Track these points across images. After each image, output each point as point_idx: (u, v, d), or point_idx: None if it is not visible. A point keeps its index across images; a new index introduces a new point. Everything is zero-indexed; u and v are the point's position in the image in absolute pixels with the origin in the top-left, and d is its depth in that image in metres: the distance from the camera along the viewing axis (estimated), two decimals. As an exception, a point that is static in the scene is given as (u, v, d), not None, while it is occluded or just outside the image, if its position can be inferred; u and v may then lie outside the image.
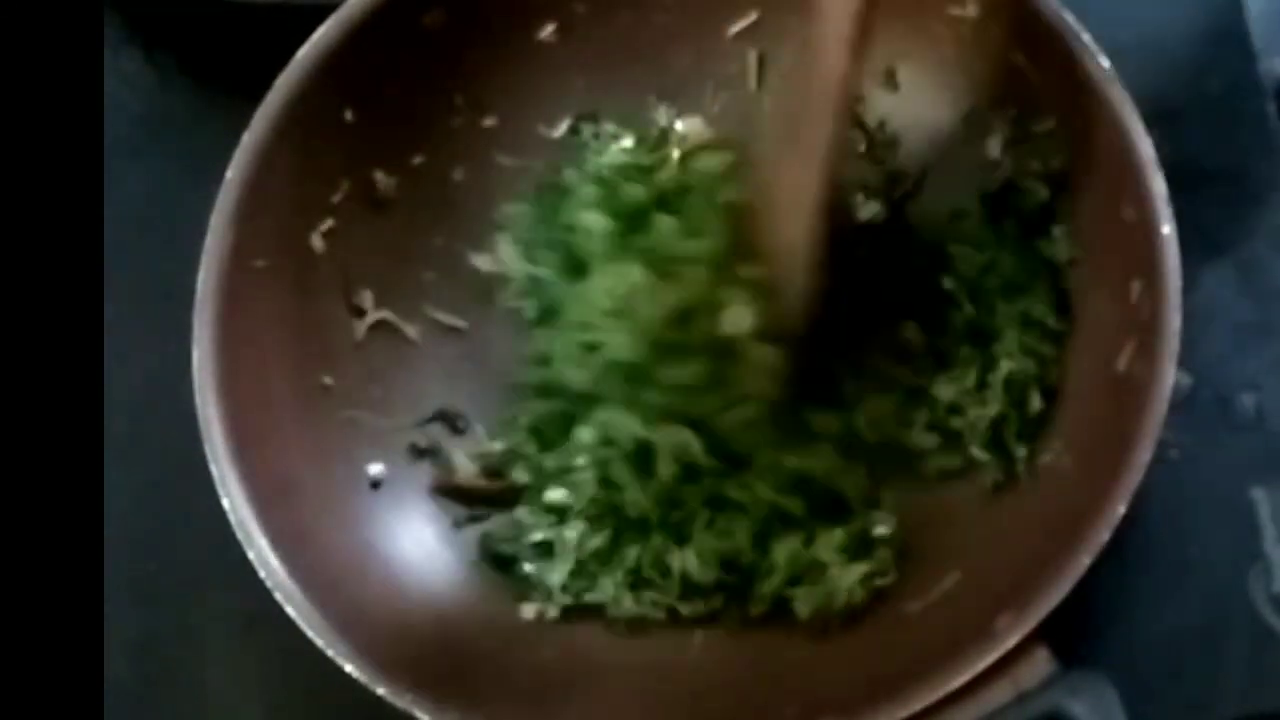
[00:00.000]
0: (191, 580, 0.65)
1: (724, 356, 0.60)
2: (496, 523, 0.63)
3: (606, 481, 0.61)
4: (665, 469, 0.60)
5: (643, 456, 0.60)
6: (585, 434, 0.62)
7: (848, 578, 0.58)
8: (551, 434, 0.63)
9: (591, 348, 0.62)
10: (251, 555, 0.54)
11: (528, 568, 0.61)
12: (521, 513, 0.62)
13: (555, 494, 0.62)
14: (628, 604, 0.60)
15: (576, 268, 0.64)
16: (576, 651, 0.60)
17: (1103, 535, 0.50)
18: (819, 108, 0.55)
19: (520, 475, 0.63)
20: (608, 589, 0.60)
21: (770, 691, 0.57)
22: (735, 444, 0.60)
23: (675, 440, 0.60)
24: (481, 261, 0.66)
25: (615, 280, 0.62)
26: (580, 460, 0.61)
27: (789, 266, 0.59)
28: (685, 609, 0.60)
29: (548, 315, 0.64)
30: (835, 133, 0.56)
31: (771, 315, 0.60)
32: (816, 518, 0.60)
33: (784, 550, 0.59)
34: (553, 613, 0.61)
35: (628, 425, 0.60)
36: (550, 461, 0.62)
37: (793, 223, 0.58)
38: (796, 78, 0.56)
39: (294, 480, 0.59)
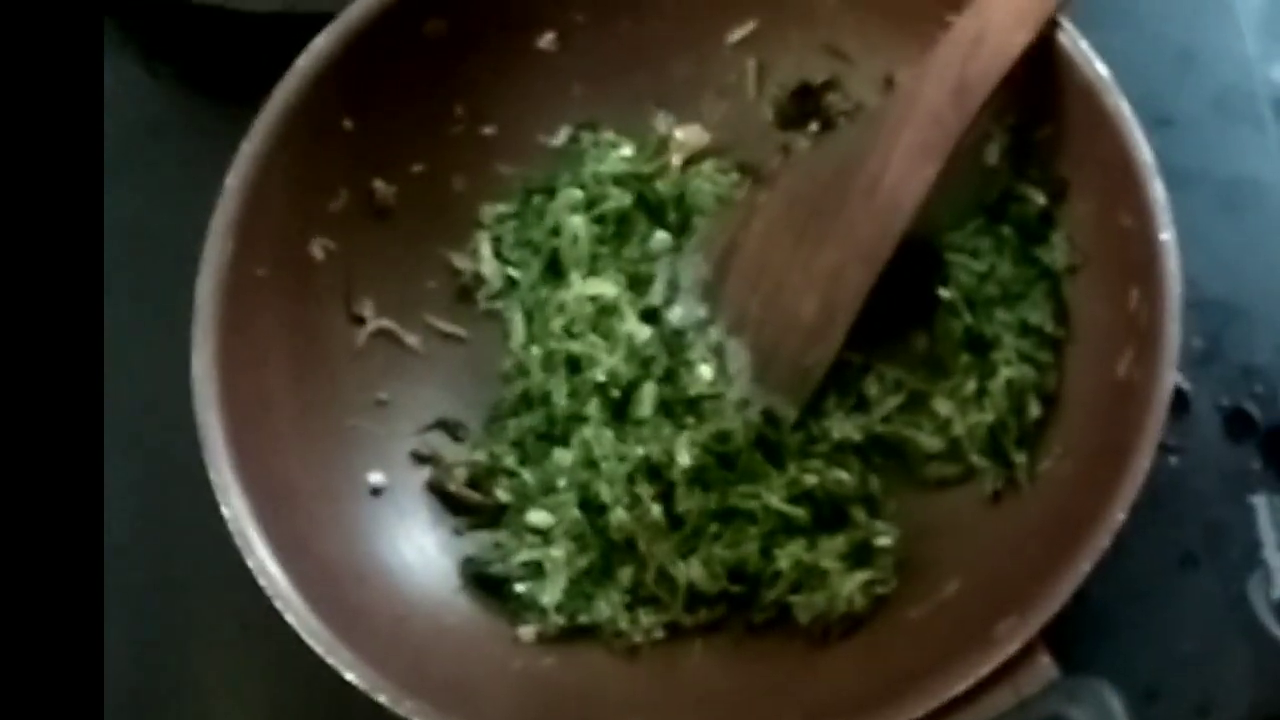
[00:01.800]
0: (191, 585, 0.65)
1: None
2: (478, 545, 0.62)
3: (587, 504, 0.61)
4: (648, 488, 0.60)
5: (628, 476, 0.61)
6: (566, 456, 0.62)
7: (848, 585, 0.58)
8: (532, 448, 0.63)
9: (573, 361, 0.62)
10: (251, 563, 0.54)
11: (519, 588, 0.61)
12: (503, 535, 0.62)
13: (537, 516, 0.62)
14: (625, 625, 0.60)
15: (557, 273, 0.64)
16: (577, 661, 0.60)
17: (1103, 541, 0.50)
18: (884, 221, 0.56)
19: (502, 494, 0.63)
20: (604, 610, 0.60)
21: (770, 699, 0.57)
22: (744, 459, 0.61)
23: (661, 459, 0.60)
24: (459, 260, 0.66)
25: (597, 290, 0.62)
26: (561, 482, 0.61)
27: (804, 338, 0.60)
28: (688, 620, 0.60)
29: (526, 321, 0.64)
30: (895, 244, 0.57)
31: (774, 380, 0.61)
32: (820, 526, 0.60)
33: (788, 557, 0.59)
34: (551, 633, 0.60)
35: (610, 445, 0.61)
36: (531, 479, 0.62)
37: (821, 302, 0.59)
38: (855, 173, 0.57)
39: (294, 488, 0.58)
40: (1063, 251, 0.59)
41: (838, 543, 0.59)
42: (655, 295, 0.64)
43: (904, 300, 0.61)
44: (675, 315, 0.63)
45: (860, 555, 0.59)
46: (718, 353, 0.62)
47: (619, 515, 0.60)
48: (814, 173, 0.61)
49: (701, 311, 0.63)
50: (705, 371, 0.62)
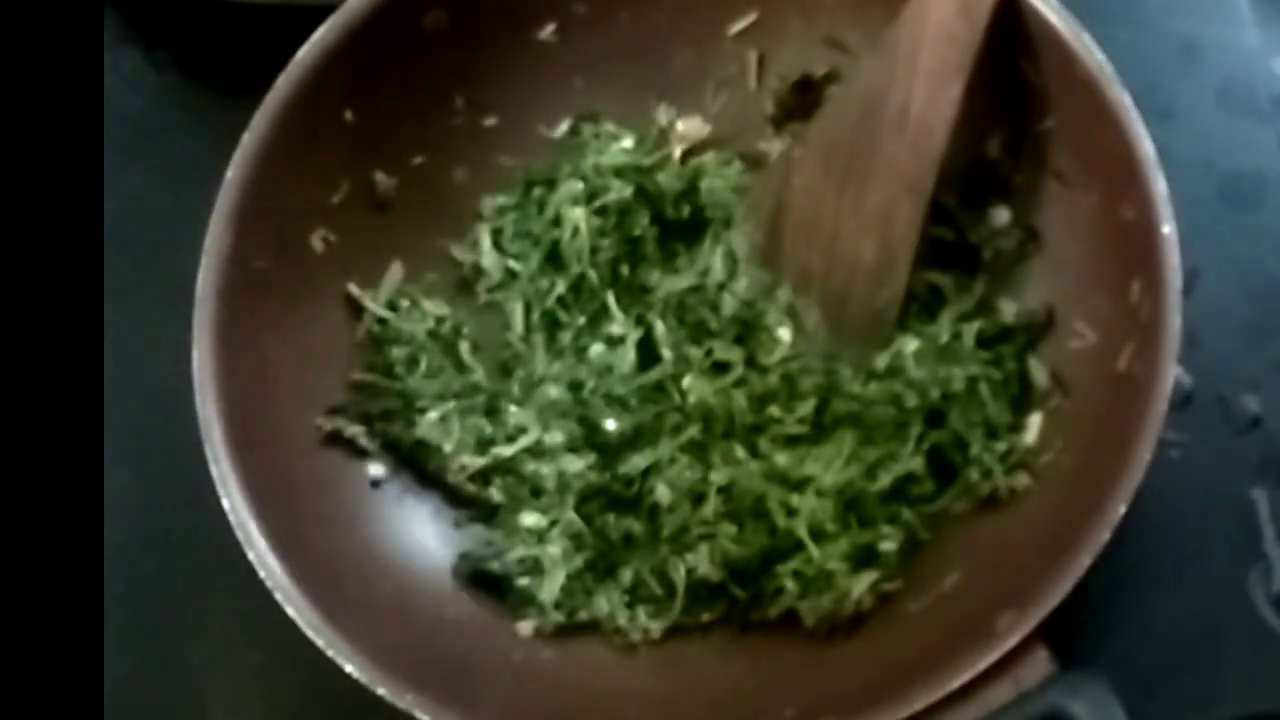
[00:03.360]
0: (191, 580, 0.65)
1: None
2: (477, 538, 0.62)
3: (584, 510, 0.61)
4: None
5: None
6: (569, 463, 0.62)
7: (857, 586, 0.58)
8: (530, 462, 0.63)
9: (586, 423, 0.62)
10: (251, 556, 0.54)
11: (520, 582, 0.61)
12: (496, 535, 0.62)
13: (530, 518, 0.61)
14: (624, 622, 0.60)
15: (557, 264, 0.64)
16: (577, 654, 0.60)
17: (1103, 535, 0.50)
18: (920, 149, 0.56)
19: (495, 493, 0.63)
20: (604, 607, 0.60)
21: (769, 692, 0.57)
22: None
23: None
24: (459, 251, 0.66)
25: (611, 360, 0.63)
26: (553, 484, 0.61)
27: (870, 282, 0.60)
28: (688, 620, 0.60)
29: (526, 313, 0.64)
30: (935, 170, 0.56)
31: (850, 330, 0.61)
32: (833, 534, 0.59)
33: (789, 570, 0.59)
34: (549, 629, 0.60)
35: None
36: (526, 484, 0.62)
37: (878, 243, 0.59)
38: (881, 108, 0.57)
39: (294, 480, 0.59)
40: (1042, 374, 0.60)
41: (841, 544, 0.58)
42: (716, 272, 0.63)
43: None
44: (740, 286, 0.63)
45: (865, 556, 0.59)
46: (791, 314, 0.62)
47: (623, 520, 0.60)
48: (841, 116, 0.60)
49: (765, 277, 0.63)
50: (784, 334, 0.62)
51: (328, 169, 0.62)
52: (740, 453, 0.60)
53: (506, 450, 0.62)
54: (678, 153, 0.66)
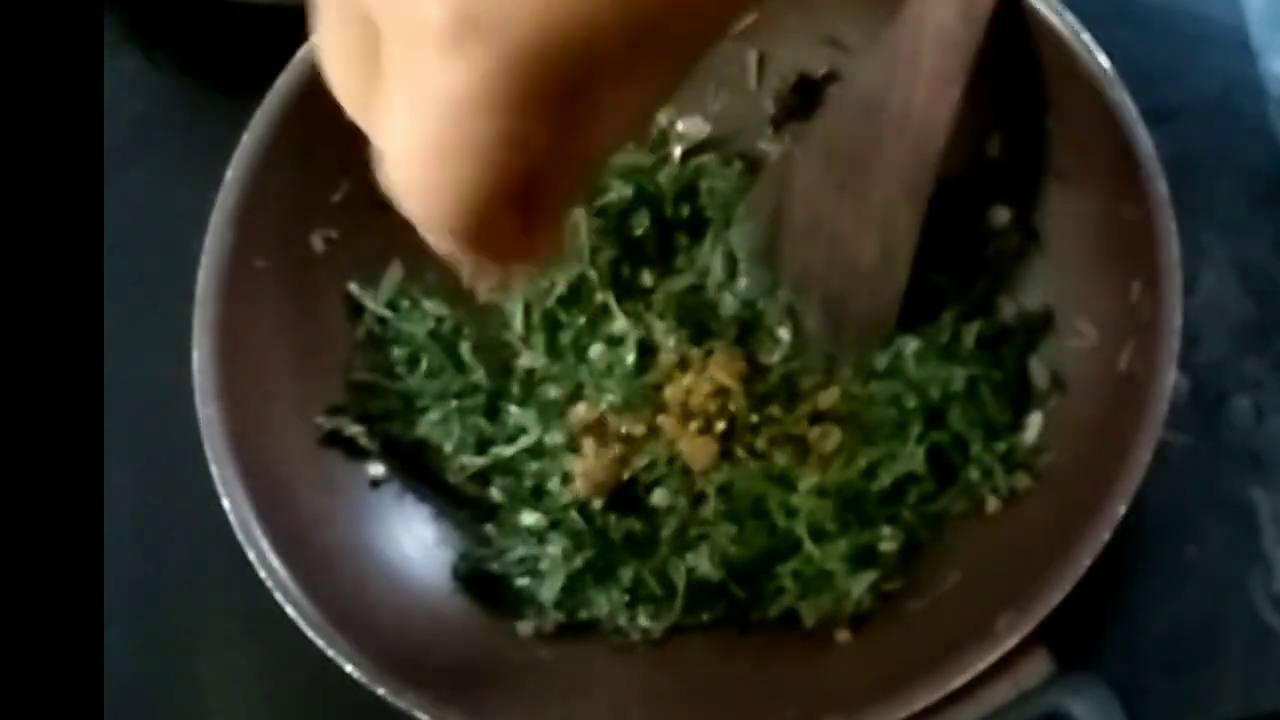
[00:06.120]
0: (191, 580, 0.65)
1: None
2: (477, 538, 0.62)
3: (584, 510, 0.61)
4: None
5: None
6: (569, 463, 0.62)
7: (856, 587, 0.58)
8: (530, 462, 0.63)
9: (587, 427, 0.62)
10: (252, 555, 0.54)
11: (519, 582, 0.61)
12: (496, 535, 0.62)
13: (530, 518, 0.62)
14: (624, 622, 0.60)
15: (558, 264, 0.64)
16: (576, 653, 0.60)
17: (1103, 535, 0.50)
18: (920, 152, 0.56)
19: (495, 493, 0.63)
20: (603, 606, 0.60)
21: (770, 692, 0.57)
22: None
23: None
24: None
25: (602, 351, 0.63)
26: (554, 485, 0.62)
27: (870, 283, 0.60)
28: (688, 620, 0.60)
29: (525, 312, 0.64)
30: (934, 172, 0.56)
31: (851, 330, 0.61)
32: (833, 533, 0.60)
33: (788, 570, 0.59)
34: (549, 629, 0.60)
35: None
36: (526, 484, 0.62)
37: (878, 245, 0.59)
38: (881, 110, 0.57)
39: (294, 480, 0.59)
40: (1042, 374, 0.59)
41: (840, 545, 0.58)
42: (716, 272, 0.63)
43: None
44: (741, 286, 0.63)
45: (864, 556, 0.59)
46: (791, 314, 0.62)
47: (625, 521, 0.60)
48: (841, 117, 0.60)
49: (765, 277, 0.63)
50: (784, 334, 0.62)
51: (328, 168, 0.61)
52: (740, 453, 0.60)
53: (506, 450, 0.62)
54: (678, 153, 0.66)
